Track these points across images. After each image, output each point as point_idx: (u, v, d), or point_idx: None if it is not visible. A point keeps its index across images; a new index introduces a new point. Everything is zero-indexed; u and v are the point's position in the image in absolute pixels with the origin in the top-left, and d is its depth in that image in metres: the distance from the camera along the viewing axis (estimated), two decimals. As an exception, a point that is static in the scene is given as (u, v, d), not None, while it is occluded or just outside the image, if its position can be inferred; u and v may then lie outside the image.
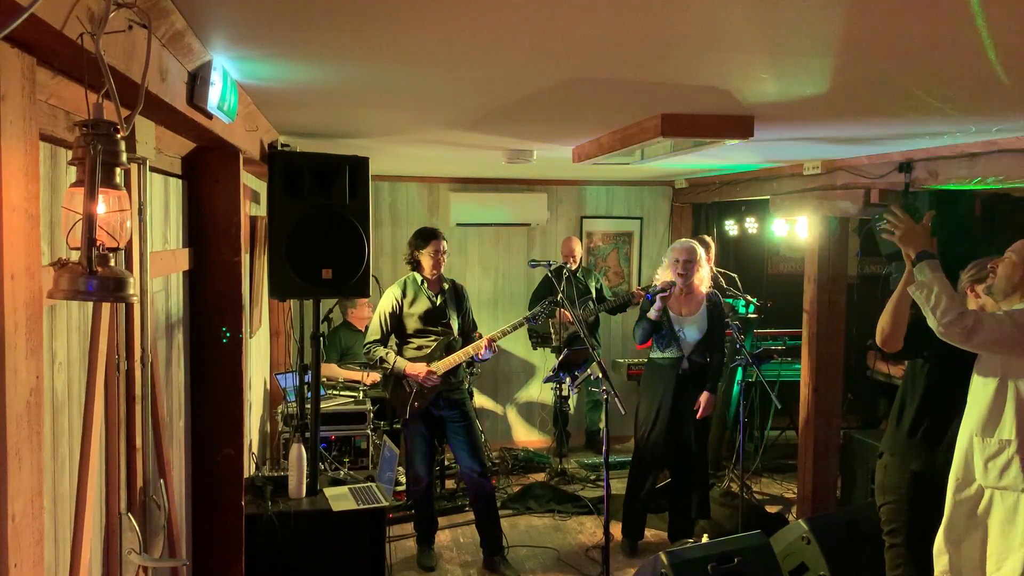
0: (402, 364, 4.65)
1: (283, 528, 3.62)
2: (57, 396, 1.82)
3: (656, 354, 5.01)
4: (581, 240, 7.47)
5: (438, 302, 4.74)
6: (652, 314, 4.87)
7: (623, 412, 4.13)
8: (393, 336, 4.78)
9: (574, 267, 6.71)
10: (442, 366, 4.65)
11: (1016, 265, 2.96)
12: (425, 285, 4.75)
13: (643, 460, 5.03)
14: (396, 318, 4.73)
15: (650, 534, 5.33)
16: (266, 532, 3.58)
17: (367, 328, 6.43)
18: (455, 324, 4.80)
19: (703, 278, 5.03)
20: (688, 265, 4.92)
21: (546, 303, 4.91)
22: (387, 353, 4.68)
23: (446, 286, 4.82)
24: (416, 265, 4.74)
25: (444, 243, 4.73)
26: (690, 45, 2.14)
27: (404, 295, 4.74)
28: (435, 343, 4.72)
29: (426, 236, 4.72)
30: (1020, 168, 3.71)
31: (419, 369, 4.62)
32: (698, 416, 4.96)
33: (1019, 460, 2.82)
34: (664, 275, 5.01)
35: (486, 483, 4.79)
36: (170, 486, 2.62)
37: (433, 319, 4.73)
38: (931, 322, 2.82)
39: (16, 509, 1.37)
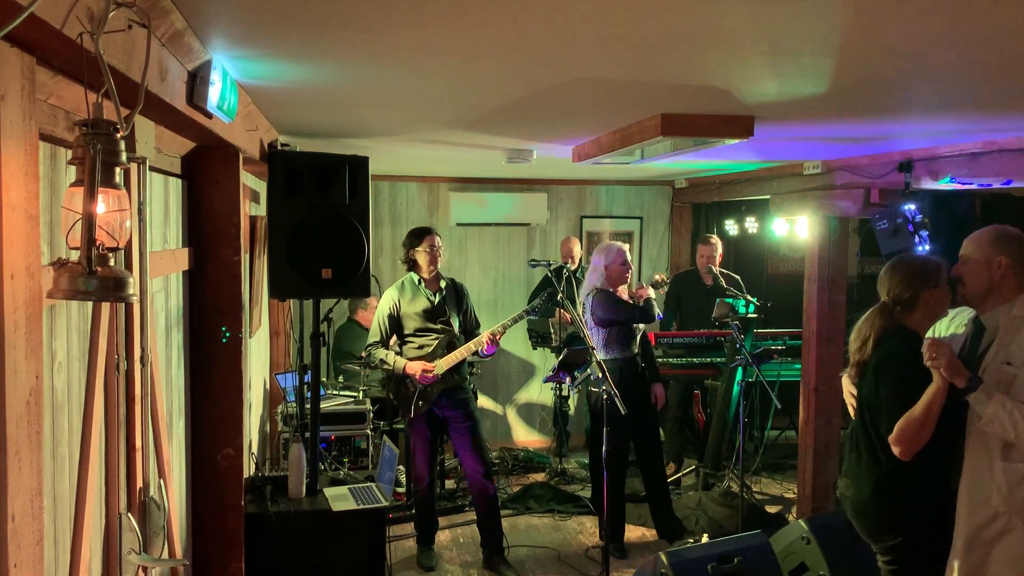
0: (401, 363, 4.66)
1: (283, 528, 3.62)
2: (57, 396, 1.82)
3: (615, 354, 4.93)
4: (581, 240, 7.47)
5: (436, 301, 4.74)
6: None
7: (624, 411, 4.13)
8: (395, 336, 4.80)
9: (573, 267, 6.72)
10: (443, 364, 4.65)
11: (981, 264, 2.82)
12: (422, 284, 4.75)
13: (620, 461, 4.96)
14: (395, 319, 4.74)
15: (650, 534, 5.33)
16: (266, 532, 3.58)
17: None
18: (455, 322, 4.79)
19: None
20: (629, 264, 4.99)
21: (544, 295, 4.91)
22: (387, 354, 4.69)
23: (444, 284, 4.82)
24: (412, 265, 4.74)
25: (438, 239, 4.75)
26: (690, 45, 2.14)
27: (402, 296, 4.75)
28: (436, 342, 4.72)
29: (419, 234, 4.74)
30: (1020, 168, 3.71)
31: (416, 368, 4.63)
32: (659, 407, 5.13)
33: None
34: (597, 283, 4.97)
35: (489, 484, 4.78)
36: (170, 486, 2.62)
37: (432, 318, 4.73)
38: None
39: (16, 509, 1.37)
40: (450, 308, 4.79)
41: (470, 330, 4.88)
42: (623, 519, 5.18)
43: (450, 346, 4.72)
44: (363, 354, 4.86)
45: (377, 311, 4.81)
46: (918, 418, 2.81)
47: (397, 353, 4.76)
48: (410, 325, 4.73)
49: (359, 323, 6.45)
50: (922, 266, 3.06)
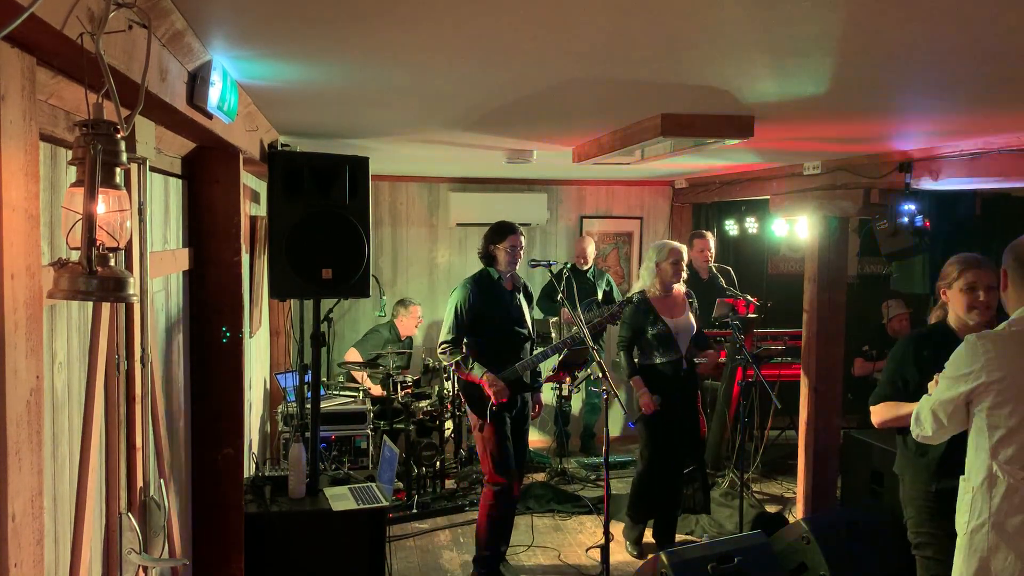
0: (479, 373, 4.39)
1: (283, 528, 3.62)
2: (57, 396, 1.82)
3: (657, 359, 4.84)
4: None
5: (513, 301, 4.56)
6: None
7: (624, 412, 4.13)
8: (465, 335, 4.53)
9: (586, 267, 6.73)
10: (519, 368, 4.47)
11: (1002, 273, 2.80)
12: (500, 281, 4.54)
13: (662, 466, 4.88)
14: (474, 314, 4.46)
15: (648, 535, 5.33)
16: (266, 532, 3.58)
17: (408, 338, 6.21)
18: (528, 323, 4.62)
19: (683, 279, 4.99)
20: (682, 265, 4.88)
21: (609, 308, 4.83)
22: (466, 359, 4.43)
23: (520, 285, 4.63)
24: (491, 260, 4.53)
25: (522, 238, 4.54)
26: (690, 45, 2.14)
27: (480, 291, 4.48)
28: (512, 343, 4.52)
29: (503, 231, 4.51)
30: (1020, 168, 3.71)
31: (494, 387, 4.36)
32: (708, 362, 4.93)
33: (966, 501, 2.67)
34: (647, 280, 4.90)
35: (517, 485, 4.65)
36: (170, 486, 2.62)
37: (510, 319, 4.52)
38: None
39: (16, 509, 1.37)
40: (524, 309, 4.60)
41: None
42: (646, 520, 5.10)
43: (524, 351, 4.54)
44: (439, 350, 4.53)
45: (453, 303, 4.48)
46: (900, 415, 3.14)
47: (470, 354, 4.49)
48: (488, 324, 4.48)
49: (396, 331, 6.43)
50: (946, 265, 3.22)
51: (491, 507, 4.51)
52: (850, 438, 5.35)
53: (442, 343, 4.49)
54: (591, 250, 6.83)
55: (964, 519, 2.66)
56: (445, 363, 4.52)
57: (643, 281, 4.96)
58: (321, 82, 2.77)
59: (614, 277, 7.67)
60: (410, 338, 6.60)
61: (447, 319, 4.51)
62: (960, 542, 2.69)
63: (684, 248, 4.95)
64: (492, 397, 4.36)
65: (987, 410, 2.56)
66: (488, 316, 4.47)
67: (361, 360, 6.17)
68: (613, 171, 6.35)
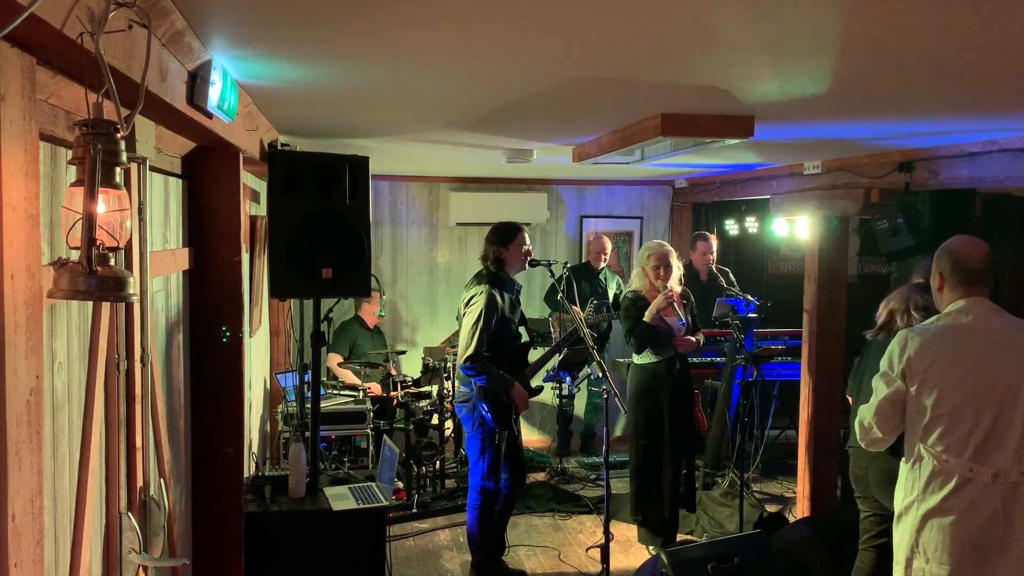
0: (508, 383, 4.28)
1: (283, 528, 3.62)
2: (57, 396, 1.82)
3: (648, 359, 4.85)
4: (581, 241, 7.47)
5: (519, 304, 4.45)
6: (652, 317, 4.76)
7: (624, 411, 4.13)
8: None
9: (603, 266, 6.74)
10: (528, 373, 4.41)
11: (938, 277, 2.95)
12: (513, 284, 4.41)
13: (657, 465, 4.87)
14: (500, 322, 4.25)
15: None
16: (266, 532, 3.58)
17: (376, 328, 6.25)
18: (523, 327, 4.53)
19: (678, 277, 4.92)
20: (665, 268, 4.81)
21: (603, 310, 4.81)
22: (498, 372, 4.27)
23: (519, 286, 4.51)
24: (500, 264, 4.37)
25: (527, 236, 4.39)
26: (690, 45, 2.14)
27: (503, 298, 4.29)
28: (519, 348, 4.45)
29: (510, 232, 4.35)
30: (1020, 168, 3.71)
31: (523, 398, 4.32)
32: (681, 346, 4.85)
33: (901, 480, 2.87)
34: (637, 283, 4.89)
35: (516, 489, 4.66)
36: (170, 485, 2.62)
37: (518, 324, 4.41)
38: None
39: (16, 509, 1.37)
40: (523, 313, 4.52)
41: None
42: (649, 513, 5.02)
43: (529, 353, 4.48)
44: (464, 364, 4.26)
45: (484, 314, 4.22)
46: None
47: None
48: (508, 332, 4.31)
49: (362, 321, 6.42)
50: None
51: (483, 512, 4.48)
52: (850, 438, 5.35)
53: (468, 359, 4.21)
54: (611, 247, 6.81)
55: (900, 497, 2.86)
56: (490, 374, 4.27)
57: (633, 284, 4.97)
58: (321, 82, 2.77)
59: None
60: (378, 327, 6.56)
61: (474, 333, 4.20)
62: (896, 519, 2.88)
63: (668, 250, 4.87)
64: (520, 407, 4.33)
65: (916, 396, 2.76)
66: (510, 323, 4.35)
67: (343, 359, 6.16)
68: (613, 171, 6.35)
